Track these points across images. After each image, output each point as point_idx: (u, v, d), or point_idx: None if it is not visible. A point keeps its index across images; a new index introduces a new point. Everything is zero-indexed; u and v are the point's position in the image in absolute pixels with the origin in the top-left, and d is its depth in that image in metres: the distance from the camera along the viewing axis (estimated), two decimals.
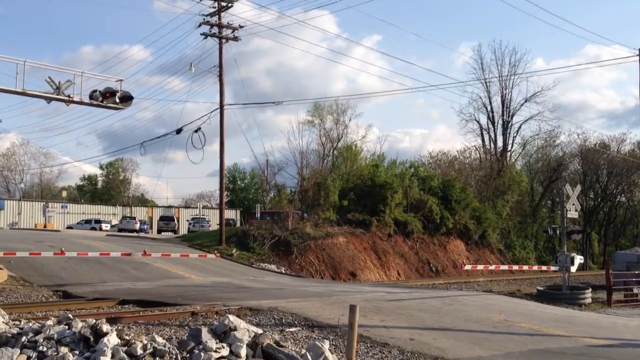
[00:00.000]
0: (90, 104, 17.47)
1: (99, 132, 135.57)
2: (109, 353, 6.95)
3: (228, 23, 32.56)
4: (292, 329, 11.19)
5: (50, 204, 61.27)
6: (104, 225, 55.03)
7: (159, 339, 7.57)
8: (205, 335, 7.67)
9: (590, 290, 21.98)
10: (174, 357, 7.26)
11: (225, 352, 7.50)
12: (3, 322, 7.67)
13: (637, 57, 34.95)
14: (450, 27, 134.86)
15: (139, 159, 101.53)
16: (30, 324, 7.93)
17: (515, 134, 61.35)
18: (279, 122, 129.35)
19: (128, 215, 61.10)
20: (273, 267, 28.93)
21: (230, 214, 64.25)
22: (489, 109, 60.53)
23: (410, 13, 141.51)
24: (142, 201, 79.43)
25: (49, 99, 16.98)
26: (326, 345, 8.22)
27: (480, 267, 27.88)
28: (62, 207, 62.54)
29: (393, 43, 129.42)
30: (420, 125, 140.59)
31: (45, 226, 55.67)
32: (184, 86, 78.41)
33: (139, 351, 7.11)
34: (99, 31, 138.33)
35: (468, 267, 27.15)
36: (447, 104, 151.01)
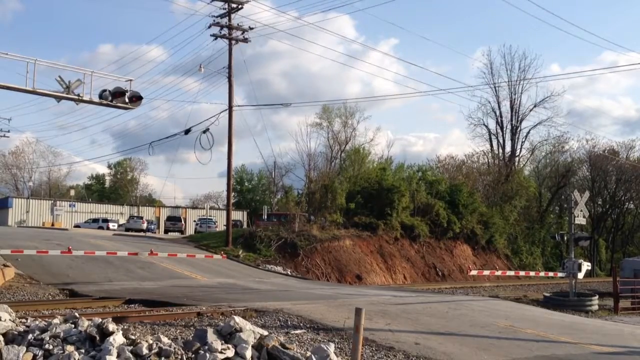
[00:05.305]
0: (100, 104, 17.55)
1: (112, 131, 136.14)
2: (114, 352, 6.97)
3: (238, 25, 32.62)
4: (298, 331, 11.18)
5: (58, 202, 61.45)
6: (111, 225, 55.16)
7: (165, 339, 7.59)
8: (211, 336, 7.69)
9: (597, 297, 21.90)
10: (180, 357, 7.28)
11: (230, 353, 7.51)
12: (10, 319, 7.70)
13: None
14: (467, 32, 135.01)
15: (149, 159, 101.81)
16: (37, 322, 7.96)
17: (523, 139, 61.21)
18: (292, 124, 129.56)
19: (135, 214, 61.25)
20: (279, 268, 28.94)
21: (237, 215, 64.36)
22: (497, 113, 60.43)
23: (429, 16, 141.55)
24: (150, 201, 79.61)
25: (58, 98, 17.07)
26: (331, 348, 8.22)
27: (486, 272, 27.67)
28: (70, 206, 62.77)
29: (410, 46, 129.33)
30: (434, 130, 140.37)
31: (52, 225, 55.82)
32: (198, 86, 78.80)
33: (145, 351, 7.14)
34: (116, 31, 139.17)
35: (474, 272, 26.93)
36: (460, 109, 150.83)
